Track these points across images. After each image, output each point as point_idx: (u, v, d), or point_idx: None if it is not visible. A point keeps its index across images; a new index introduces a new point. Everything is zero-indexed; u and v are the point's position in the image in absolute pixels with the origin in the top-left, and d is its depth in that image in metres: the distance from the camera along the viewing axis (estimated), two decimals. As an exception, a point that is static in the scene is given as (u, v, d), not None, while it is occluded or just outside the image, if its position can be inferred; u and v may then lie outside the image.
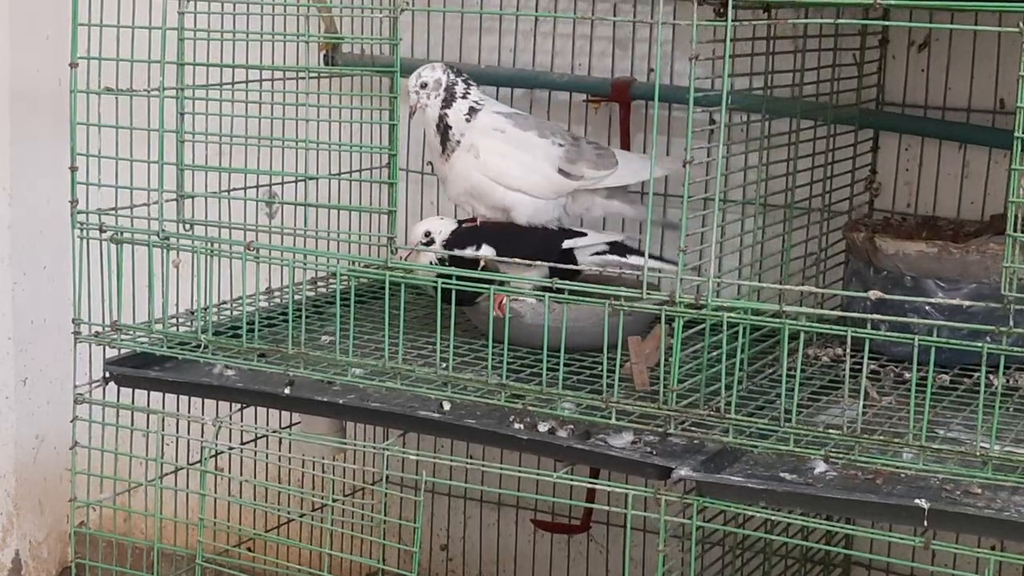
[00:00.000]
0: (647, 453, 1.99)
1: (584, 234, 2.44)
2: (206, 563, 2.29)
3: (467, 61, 2.91)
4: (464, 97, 2.40)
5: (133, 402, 2.36)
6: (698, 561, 2.06)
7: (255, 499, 2.78)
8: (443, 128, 2.40)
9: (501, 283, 2.21)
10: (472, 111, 2.40)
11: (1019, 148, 1.75)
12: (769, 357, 2.21)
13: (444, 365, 2.14)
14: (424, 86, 2.38)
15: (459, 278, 2.13)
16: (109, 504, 2.44)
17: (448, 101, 2.39)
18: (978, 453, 1.83)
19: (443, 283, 2.13)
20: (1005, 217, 1.80)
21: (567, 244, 2.41)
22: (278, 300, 2.59)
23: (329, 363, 2.21)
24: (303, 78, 2.24)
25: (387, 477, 2.13)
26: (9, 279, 3.36)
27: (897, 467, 1.89)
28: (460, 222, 2.46)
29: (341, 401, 2.18)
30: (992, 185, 2.56)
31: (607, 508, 2.14)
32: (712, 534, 2.40)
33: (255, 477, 2.79)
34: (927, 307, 2.18)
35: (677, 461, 1.94)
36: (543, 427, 2.08)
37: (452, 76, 2.40)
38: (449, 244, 2.38)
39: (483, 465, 2.13)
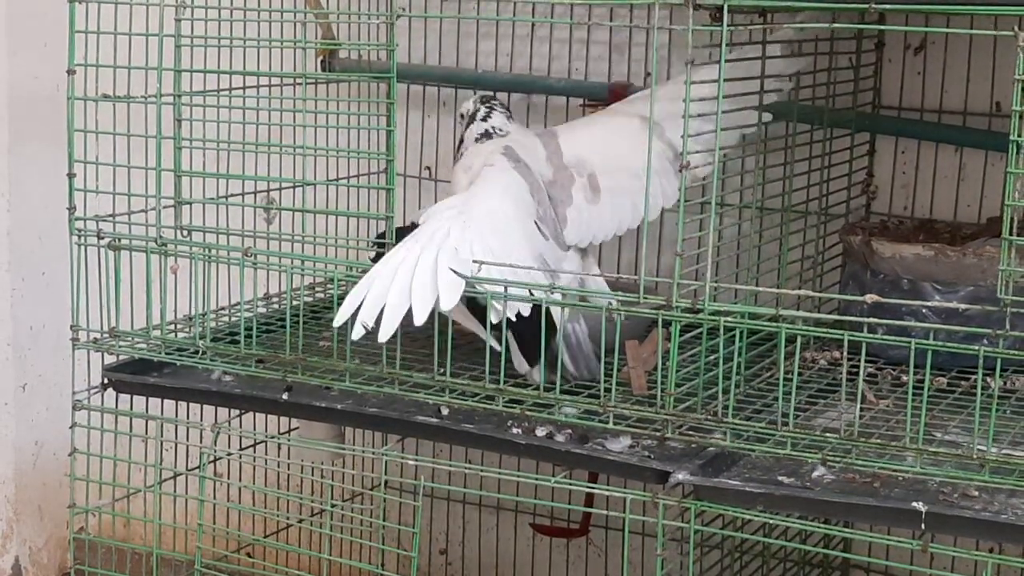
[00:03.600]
0: (645, 457, 1.99)
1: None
2: (205, 568, 2.29)
3: (464, 66, 2.91)
4: (484, 120, 2.40)
5: (132, 408, 2.37)
6: (696, 564, 2.06)
7: (254, 504, 2.78)
8: (458, 143, 2.42)
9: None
10: (486, 135, 2.39)
11: (1015, 151, 1.76)
12: (766, 361, 2.21)
13: (442, 370, 2.14)
14: (462, 117, 2.43)
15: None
16: (108, 510, 2.45)
17: (468, 124, 2.41)
18: (975, 456, 1.83)
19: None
20: (1001, 220, 1.80)
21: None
22: (276, 306, 2.59)
23: (327, 368, 2.22)
24: (300, 84, 2.25)
25: (386, 482, 2.13)
26: (8, 285, 3.36)
27: (895, 470, 1.89)
28: None
29: (339, 406, 2.18)
30: (988, 188, 2.56)
31: (605, 512, 2.14)
32: (710, 538, 2.39)
33: (254, 483, 2.79)
34: (924, 310, 2.18)
35: (675, 465, 1.94)
36: (541, 431, 2.08)
37: (477, 104, 2.40)
38: None
39: (481, 469, 2.13)
